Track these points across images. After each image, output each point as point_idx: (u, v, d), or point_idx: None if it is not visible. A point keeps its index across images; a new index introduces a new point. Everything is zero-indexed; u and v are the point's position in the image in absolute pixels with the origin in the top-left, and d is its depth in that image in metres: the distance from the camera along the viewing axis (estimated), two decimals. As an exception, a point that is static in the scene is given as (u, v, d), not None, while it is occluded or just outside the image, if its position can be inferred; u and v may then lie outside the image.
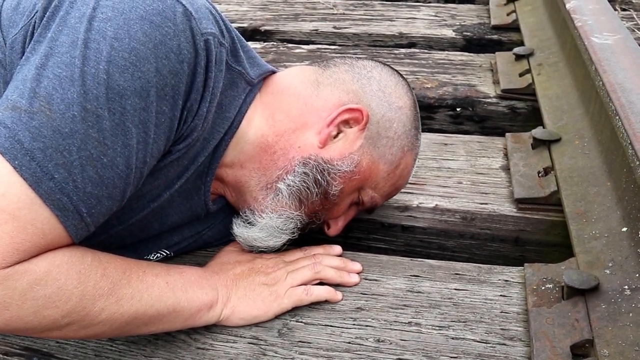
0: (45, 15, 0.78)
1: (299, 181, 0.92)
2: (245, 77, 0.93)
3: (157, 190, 0.89)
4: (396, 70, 1.04)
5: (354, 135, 0.95)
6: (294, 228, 0.95)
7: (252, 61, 0.96)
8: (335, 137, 0.95)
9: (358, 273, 0.99)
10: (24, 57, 0.77)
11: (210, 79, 0.83)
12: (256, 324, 0.90)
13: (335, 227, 1.01)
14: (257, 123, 0.94)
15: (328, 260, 0.99)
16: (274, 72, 1.00)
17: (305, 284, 0.94)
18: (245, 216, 0.96)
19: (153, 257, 0.99)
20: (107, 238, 0.87)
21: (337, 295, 0.95)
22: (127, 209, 0.85)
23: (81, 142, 0.72)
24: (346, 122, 0.95)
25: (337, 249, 1.03)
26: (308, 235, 1.04)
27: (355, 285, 0.97)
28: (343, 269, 0.98)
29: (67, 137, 0.71)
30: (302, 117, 0.94)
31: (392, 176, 0.99)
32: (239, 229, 0.97)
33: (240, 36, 0.94)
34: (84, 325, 0.75)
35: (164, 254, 1.01)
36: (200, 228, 1.03)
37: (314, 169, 0.92)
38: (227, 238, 1.01)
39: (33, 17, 0.81)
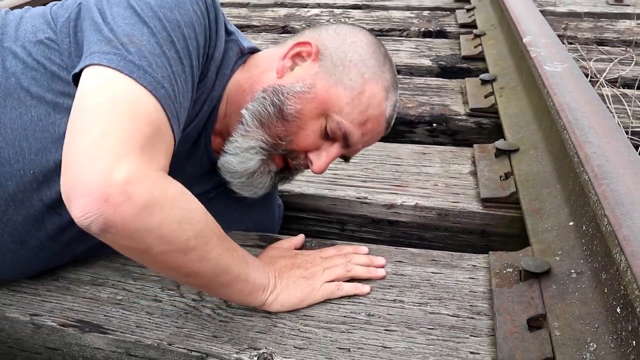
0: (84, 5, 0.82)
1: (258, 104, 0.89)
2: (238, 44, 0.94)
3: None
4: (368, 31, 0.99)
5: (308, 67, 0.91)
6: (259, 148, 0.90)
7: (242, 38, 0.97)
8: (292, 69, 0.92)
9: (383, 266, 0.95)
10: (80, 32, 0.79)
11: (220, 29, 0.85)
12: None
13: (318, 163, 0.91)
14: (237, 78, 0.94)
15: (357, 259, 0.94)
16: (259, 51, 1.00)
17: (337, 279, 0.91)
18: (223, 148, 0.93)
19: None
20: None
21: (364, 288, 0.90)
22: None
23: (168, 61, 0.73)
24: (299, 56, 0.92)
25: (364, 249, 0.99)
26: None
27: (382, 278, 0.92)
28: (370, 265, 0.94)
29: (159, 57, 0.72)
30: (267, 64, 0.94)
31: (357, 103, 0.89)
32: (219, 161, 0.93)
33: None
34: (201, 256, 0.72)
35: None
36: (207, 187, 1.00)
37: (271, 93, 0.89)
38: (233, 207, 1.00)
39: (77, 6, 0.84)
